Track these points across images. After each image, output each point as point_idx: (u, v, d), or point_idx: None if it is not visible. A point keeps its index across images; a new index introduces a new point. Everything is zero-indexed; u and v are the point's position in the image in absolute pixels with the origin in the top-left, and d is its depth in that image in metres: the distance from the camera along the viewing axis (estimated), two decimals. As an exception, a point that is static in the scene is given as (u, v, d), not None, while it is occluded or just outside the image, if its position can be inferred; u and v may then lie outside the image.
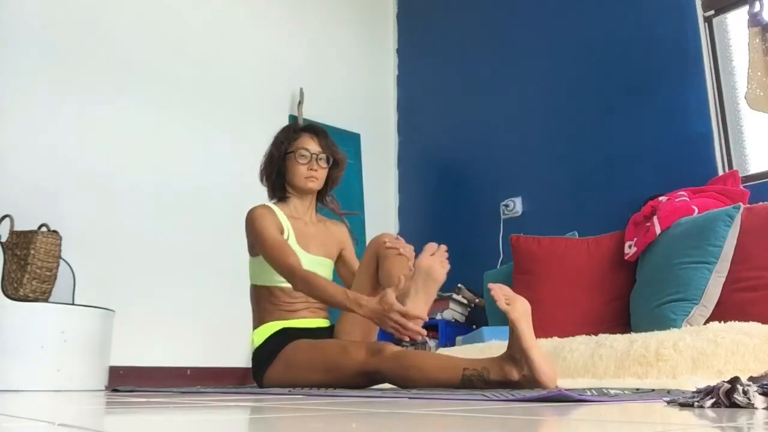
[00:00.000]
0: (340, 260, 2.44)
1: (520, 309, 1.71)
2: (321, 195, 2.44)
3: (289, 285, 2.21)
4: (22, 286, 2.68)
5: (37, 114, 3.26)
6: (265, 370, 2.16)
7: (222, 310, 3.59)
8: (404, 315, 1.86)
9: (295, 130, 2.39)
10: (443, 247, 2.04)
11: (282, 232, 2.26)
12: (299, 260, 2.15)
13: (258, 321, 2.31)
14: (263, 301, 2.30)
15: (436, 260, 2.01)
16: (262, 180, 2.43)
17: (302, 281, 2.10)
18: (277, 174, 2.36)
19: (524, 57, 3.93)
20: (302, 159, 2.31)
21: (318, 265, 2.29)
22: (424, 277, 1.99)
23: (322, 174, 2.35)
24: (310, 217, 2.41)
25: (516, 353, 1.71)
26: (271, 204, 2.36)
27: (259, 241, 2.21)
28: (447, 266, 2.03)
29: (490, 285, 1.75)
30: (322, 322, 2.32)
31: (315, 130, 2.38)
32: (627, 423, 0.87)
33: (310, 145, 2.33)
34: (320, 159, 2.33)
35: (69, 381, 2.62)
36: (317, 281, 2.07)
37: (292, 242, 2.28)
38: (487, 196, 3.93)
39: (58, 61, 3.35)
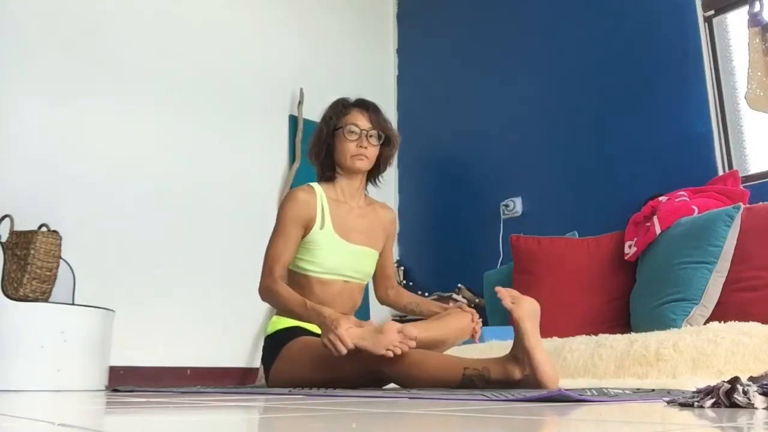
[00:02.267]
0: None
1: (525, 308, 1.70)
2: (372, 176, 2.31)
3: (322, 276, 2.17)
4: (22, 286, 2.68)
5: (37, 114, 3.26)
6: (272, 363, 2.15)
7: (222, 310, 3.59)
8: (341, 339, 1.83)
9: (344, 105, 2.25)
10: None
11: (313, 221, 2.16)
12: (285, 275, 2.13)
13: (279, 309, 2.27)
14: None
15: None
16: (310, 159, 2.29)
17: (267, 290, 2.10)
18: (325, 153, 2.22)
19: (524, 57, 3.93)
20: (351, 135, 2.16)
21: (359, 256, 2.21)
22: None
23: (372, 152, 2.19)
24: (358, 202, 2.27)
25: (519, 352, 1.71)
26: (315, 185, 2.23)
27: (274, 228, 2.16)
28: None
29: (497, 288, 1.76)
30: None
31: (366, 104, 2.24)
32: (627, 423, 0.87)
33: (360, 120, 2.19)
34: (371, 136, 2.18)
35: (69, 381, 2.62)
36: (279, 292, 2.07)
37: (329, 230, 2.17)
38: (487, 196, 3.93)
39: (58, 62, 3.35)
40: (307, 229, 2.17)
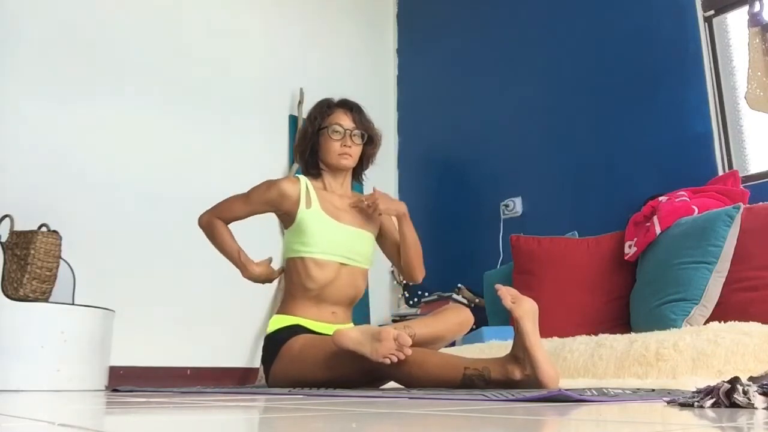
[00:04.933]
0: (380, 235, 2.41)
1: (525, 307, 1.71)
2: (356, 174, 2.40)
3: (317, 256, 2.21)
4: (22, 286, 2.68)
5: (37, 114, 3.26)
6: (272, 361, 2.16)
7: (222, 311, 3.59)
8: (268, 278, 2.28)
9: (328, 105, 2.33)
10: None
11: (294, 205, 2.23)
12: (223, 216, 2.33)
13: (281, 307, 2.30)
14: (291, 285, 2.27)
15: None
16: (295, 158, 2.39)
17: (208, 222, 2.33)
18: (310, 151, 2.31)
19: (524, 57, 3.93)
20: (335, 135, 2.26)
21: (352, 236, 2.26)
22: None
23: (356, 151, 2.30)
24: (345, 192, 2.36)
25: (519, 352, 1.71)
26: (302, 178, 2.31)
27: (245, 192, 2.31)
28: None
29: (497, 286, 1.76)
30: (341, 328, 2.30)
31: (349, 105, 2.33)
32: (627, 423, 0.87)
33: (344, 120, 2.28)
34: (354, 135, 2.28)
35: (69, 381, 2.62)
36: (219, 231, 2.31)
37: (316, 209, 2.24)
38: (487, 196, 3.93)
39: (58, 62, 3.35)
40: (291, 213, 2.25)
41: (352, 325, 2.33)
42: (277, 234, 3.74)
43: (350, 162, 2.30)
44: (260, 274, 2.28)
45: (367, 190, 2.73)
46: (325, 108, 2.32)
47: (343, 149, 2.26)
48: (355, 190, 2.44)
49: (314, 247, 2.22)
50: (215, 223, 2.33)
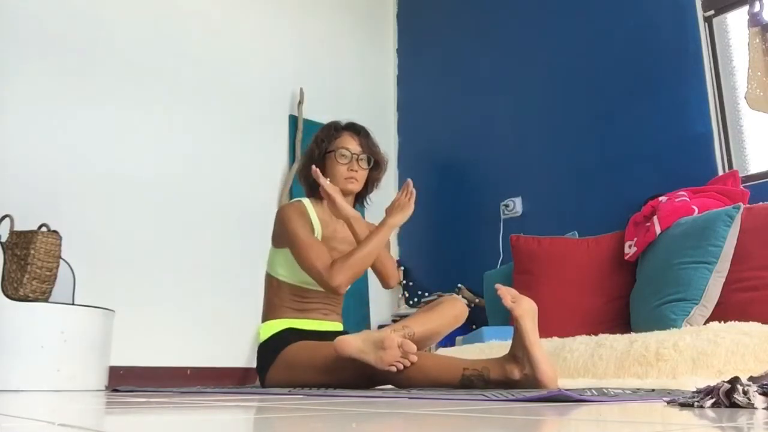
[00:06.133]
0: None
1: (524, 307, 1.71)
2: (360, 197, 2.37)
3: (296, 284, 2.21)
4: (22, 286, 2.68)
5: (37, 114, 3.26)
6: (267, 369, 2.16)
7: (222, 311, 3.59)
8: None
9: (335, 129, 2.31)
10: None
11: (312, 232, 2.21)
12: (329, 258, 2.11)
13: (266, 314, 2.28)
14: (273, 295, 2.27)
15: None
16: (299, 179, 2.36)
17: (342, 269, 2.06)
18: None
19: (524, 57, 3.93)
20: (342, 159, 2.24)
21: None
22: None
23: (362, 175, 2.28)
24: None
25: (518, 351, 1.71)
26: (305, 200, 2.28)
27: (294, 244, 2.15)
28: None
29: (497, 285, 1.76)
30: (333, 325, 2.29)
31: (356, 129, 2.31)
32: (627, 423, 0.87)
33: (351, 144, 2.27)
34: (361, 159, 2.27)
35: (69, 381, 2.62)
36: (349, 258, 2.08)
37: None
38: (487, 196, 3.93)
39: (58, 62, 3.35)
40: None
41: (340, 324, 2.35)
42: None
43: (356, 186, 2.27)
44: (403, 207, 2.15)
45: (369, 213, 2.71)
46: (333, 131, 2.30)
47: (349, 173, 2.24)
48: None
49: (295, 279, 2.22)
50: (335, 264, 2.09)
